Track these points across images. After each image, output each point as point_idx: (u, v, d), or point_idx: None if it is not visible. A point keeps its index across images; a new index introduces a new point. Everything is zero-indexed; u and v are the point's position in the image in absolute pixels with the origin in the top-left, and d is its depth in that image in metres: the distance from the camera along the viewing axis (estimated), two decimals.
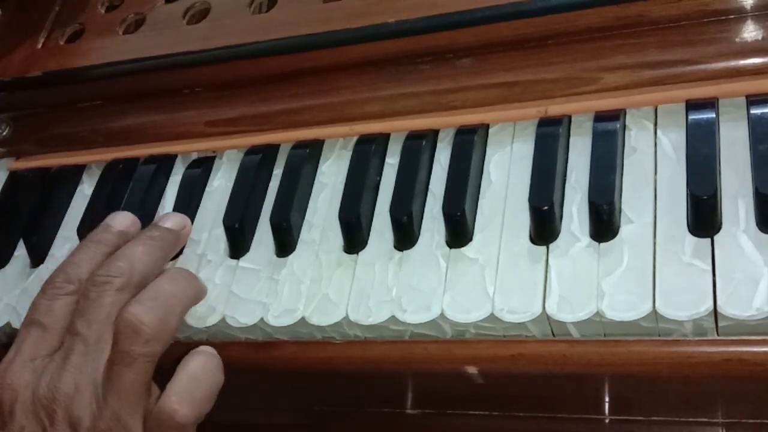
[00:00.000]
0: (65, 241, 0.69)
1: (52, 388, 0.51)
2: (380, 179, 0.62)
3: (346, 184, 0.61)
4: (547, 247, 0.53)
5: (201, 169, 0.68)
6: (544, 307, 0.51)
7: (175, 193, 0.67)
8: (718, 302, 0.48)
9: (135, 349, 0.50)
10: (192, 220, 0.65)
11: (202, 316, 0.59)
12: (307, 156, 0.64)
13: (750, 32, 0.56)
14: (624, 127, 0.57)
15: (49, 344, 0.53)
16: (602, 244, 0.52)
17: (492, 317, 0.52)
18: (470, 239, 0.56)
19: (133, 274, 0.53)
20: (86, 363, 0.51)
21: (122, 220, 0.57)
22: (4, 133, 0.77)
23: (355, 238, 0.59)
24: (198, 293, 0.56)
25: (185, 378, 0.52)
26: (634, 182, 0.54)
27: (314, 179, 0.64)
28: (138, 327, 0.50)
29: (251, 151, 0.67)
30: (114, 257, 0.54)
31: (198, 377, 0.52)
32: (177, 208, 0.66)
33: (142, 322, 0.50)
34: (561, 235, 0.54)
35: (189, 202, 0.66)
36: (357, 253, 0.58)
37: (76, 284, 0.53)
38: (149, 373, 0.51)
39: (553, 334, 0.52)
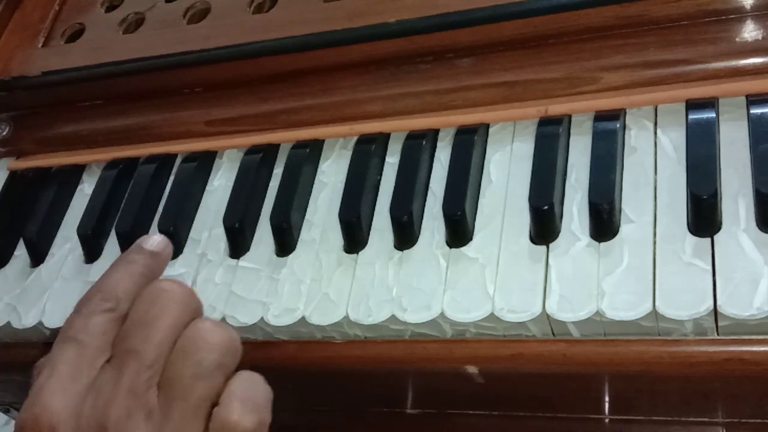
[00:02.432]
0: (65, 240, 0.69)
1: (100, 413, 0.46)
2: (380, 179, 0.62)
3: (346, 183, 0.61)
4: (548, 247, 0.53)
5: (201, 169, 0.68)
6: (544, 307, 0.51)
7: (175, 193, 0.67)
8: (719, 302, 0.48)
9: (213, 358, 0.46)
10: (192, 220, 0.65)
11: None
12: (308, 155, 0.64)
13: (750, 32, 0.56)
14: (624, 126, 0.57)
15: (90, 362, 0.48)
16: (602, 244, 0.52)
17: (492, 317, 0.52)
18: (470, 239, 0.56)
19: (193, 296, 0.49)
20: (139, 384, 0.46)
21: (154, 241, 0.54)
22: (4, 133, 0.77)
23: (355, 238, 0.59)
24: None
25: (242, 384, 0.48)
26: (634, 182, 0.54)
27: (314, 179, 0.64)
28: (217, 337, 0.47)
29: (251, 150, 0.67)
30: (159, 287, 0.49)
31: (255, 382, 0.48)
32: (176, 207, 0.66)
33: (221, 334, 0.47)
34: (561, 235, 0.54)
35: (189, 202, 0.66)
36: (357, 253, 0.58)
37: (113, 303, 0.49)
38: (217, 391, 0.47)
39: (554, 334, 0.52)
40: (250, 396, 0.47)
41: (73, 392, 0.47)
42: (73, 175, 0.73)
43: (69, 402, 0.46)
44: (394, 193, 0.59)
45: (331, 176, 0.63)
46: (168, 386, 0.46)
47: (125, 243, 0.65)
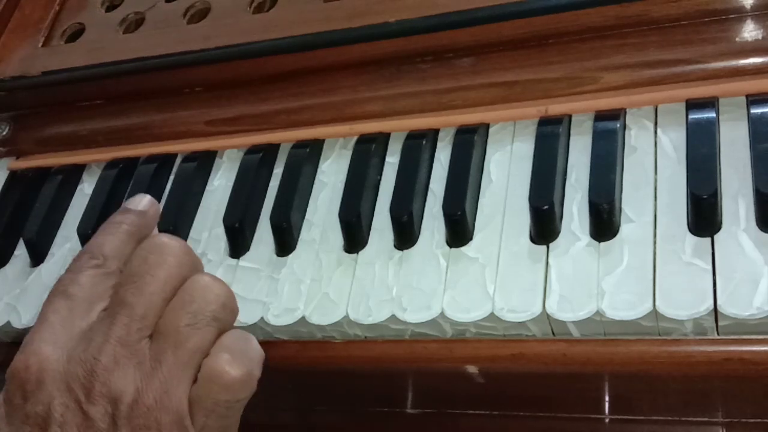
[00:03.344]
0: (65, 240, 0.69)
1: (90, 360, 0.46)
2: (380, 179, 0.62)
3: (346, 183, 0.61)
4: (548, 247, 0.53)
5: (201, 169, 0.68)
6: (544, 307, 0.51)
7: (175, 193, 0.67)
8: (719, 301, 0.48)
9: (210, 311, 0.46)
10: (192, 220, 0.65)
11: None
12: (308, 155, 0.64)
13: (750, 32, 0.56)
14: (624, 126, 0.57)
15: (79, 314, 0.48)
16: (602, 244, 0.52)
17: (492, 316, 0.52)
18: (470, 238, 0.56)
19: (190, 254, 0.49)
20: (130, 334, 0.46)
21: (140, 200, 0.54)
22: (4, 133, 0.77)
23: (355, 238, 0.59)
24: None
25: (233, 337, 0.48)
26: (635, 181, 0.54)
27: (314, 179, 0.64)
28: (216, 291, 0.47)
29: (251, 150, 0.67)
30: (165, 234, 0.50)
31: (247, 338, 0.48)
32: (176, 207, 0.66)
33: (220, 289, 0.47)
34: (561, 235, 0.54)
35: (189, 202, 0.66)
36: (357, 253, 0.58)
37: (100, 259, 0.49)
38: (209, 344, 0.47)
39: (554, 334, 0.52)
40: (240, 348, 0.47)
41: (63, 339, 0.47)
42: (73, 175, 0.73)
43: (58, 347, 0.47)
44: (394, 192, 0.59)
45: (331, 176, 0.63)
46: (161, 335, 0.47)
47: None
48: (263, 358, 0.48)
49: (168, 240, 0.49)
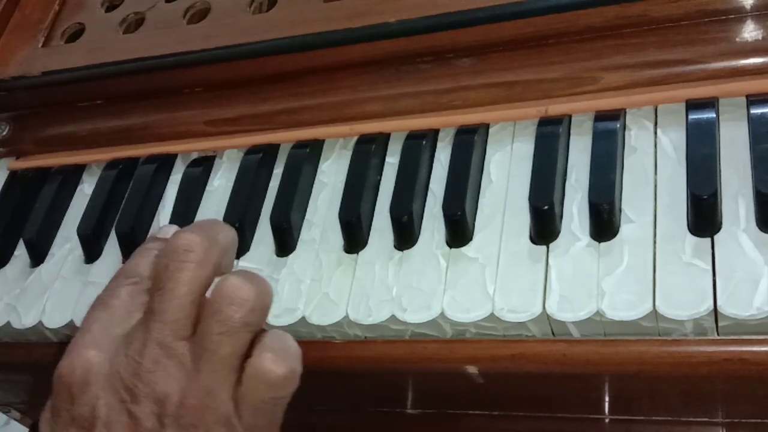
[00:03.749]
0: (65, 240, 0.69)
1: (133, 361, 0.47)
2: (380, 179, 0.62)
3: (346, 183, 0.61)
4: (548, 247, 0.53)
5: (201, 169, 0.68)
6: (544, 307, 0.51)
7: (176, 193, 0.67)
8: (719, 302, 0.48)
9: (240, 317, 0.47)
10: (192, 220, 0.65)
11: None
12: (308, 155, 0.64)
13: (750, 32, 0.56)
14: (624, 126, 0.57)
15: (117, 322, 0.49)
16: (602, 244, 0.52)
17: (492, 317, 0.52)
18: (470, 239, 0.56)
19: (212, 249, 0.50)
20: (166, 337, 0.47)
21: (169, 231, 0.55)
22: (4, 133, 0.77)
23: (355, 238, 0.59)
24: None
25: (273, 337, 0.49)
26: (634, 182, 0.54)
27: (314, 179, 0.64)
28: (244, 294, 0.47)
29: (251, 150, 0.67)
30: (187, 230, 0.50)
31: (285, 337, 0.49)
32: (177, 207, 0.66)
33: (248, 290, 0.48)
34: (561, 235, 0.54)
35: (189, 202, 0.66)
36: (357, 253, 0.58)
37: (136, 278, 0.51)
38: (245, 347, 0.48)
39: (554, 334, 0.52)
40: (281, 347, 0.48)
41: (104, 343, 0.48)
42: (73, 175, 0.73)
43: (100, 351, 0.48)
44: (394, 193, 0.59)
45: (331, 176, 0.63)
46: (199, 341, 0.48)
47: (125, 243, 0.65)
48: (301, 354, 0.49)
49: (185, 241, 0.50)
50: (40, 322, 0.64)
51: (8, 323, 0.65)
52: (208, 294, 0.49)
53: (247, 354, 0.48)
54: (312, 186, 0.63)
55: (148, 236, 0.56)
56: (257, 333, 0.49)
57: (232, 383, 0.48)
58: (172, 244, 0.50)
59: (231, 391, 0.48)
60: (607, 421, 0.62)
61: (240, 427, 0.48)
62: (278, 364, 0.48)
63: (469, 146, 0.59)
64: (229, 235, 0.52)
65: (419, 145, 0.61)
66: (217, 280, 0.49)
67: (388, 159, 0.62)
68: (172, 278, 0.48)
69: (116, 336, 0.49)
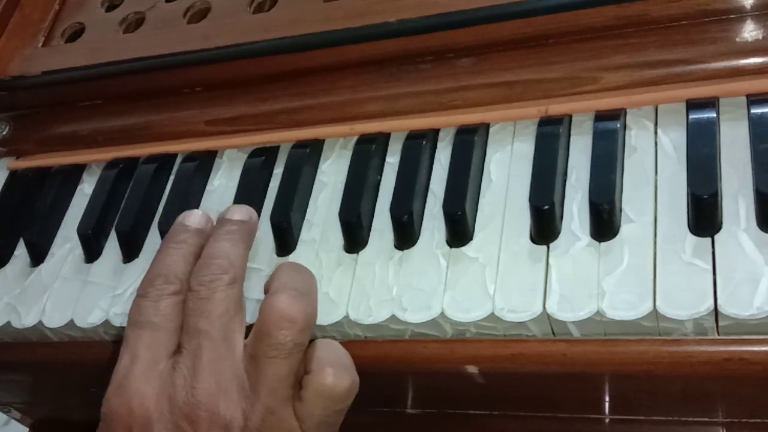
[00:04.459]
0: (65, 240, 0.69)
1: (190, 390, 0.46)
2: (380, 179, 0.62)
3: (346, 183, 0.61)
4: (548, 247, 0.53)
5: (201, 169, 0.68)
6: (544, 307, 0.51)
7: (175, 192, 0.67)
8: (719, 301, 0.48)
9: (292, 338, 0.47)
10: None
11: None
12: (308, 155, 0.64)
13: (750, 32, 0.56)
14: (624, 126, 0.57)
15: (166, 345, 0.49)
16: (603, 244, 0.52)
17: (492, 316, 0.52)
18: (471, 238, 0.56)
19: (235, 268, 0.51)
20: (220, 359, 0.47)
21: (197, 218, 0.54)
22: (4, 133, 0.77)
23: (355, 238, 0.58)
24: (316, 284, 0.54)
25: (327, 350, 0.50)
26: (635, 181, 0.54)
27: (314, 179, 0.64)
28: (293, 315, 0.48)
29: (253, 154, 0.67)
30: (208, 256, 0.51)
31: (336, 346, 0.50)
32: (176, 207, 0.66)
33: (295, 310, 0.48)
34: (561, 235, 0.54)
35: (189, 202, 0.66)
36: (357, 253, 0.58)
37: (177, 284, 0.50)
38: (300, 364, 0.49)
39: (554, 334, 0.52)
40: (338, 360, 0.49)
41: (157, 375, 0.48)
42: (73, 174, 0.73)
43: (156, 384, 0.47)
44: (394, 192, 0.59)
45: (331, 176, 0.63)
46: (253, 362, 0.48)
47: (125, 242, 0.65)
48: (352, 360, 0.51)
49: (218, 251, 0.50)
50: (40, 322, 0.64)
51: (8, 323, 0.65)
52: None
53: (304, 368, 0.49)
54: (312, 186, 0.63)
55: (176, 223, 0.54)
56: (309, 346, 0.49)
57: (291, 400, 0.48)
58: (206, 257, 0.50)
59: (291, 408, 0.48)
60: (607, 421, 0.62)
61: None
62: (340, 378, 0.49)
63: (470, 146, 0.59)
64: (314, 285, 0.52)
65: (419, 145, 0.61)
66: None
67: (388, 159, 0.62)
68: (211, 297, 0.48)
69: (165, 362, 0.48)
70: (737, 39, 0.56)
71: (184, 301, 0.50)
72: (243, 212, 0.55)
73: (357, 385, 0.50)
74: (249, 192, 0.64)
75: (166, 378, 0.47)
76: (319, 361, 0.49)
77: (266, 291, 0.51)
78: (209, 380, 0.47)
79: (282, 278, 0.51)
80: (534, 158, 0.57)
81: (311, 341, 0.51)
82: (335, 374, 0.48)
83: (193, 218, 0.54)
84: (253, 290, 0.59)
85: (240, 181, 0.65)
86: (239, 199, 0.64)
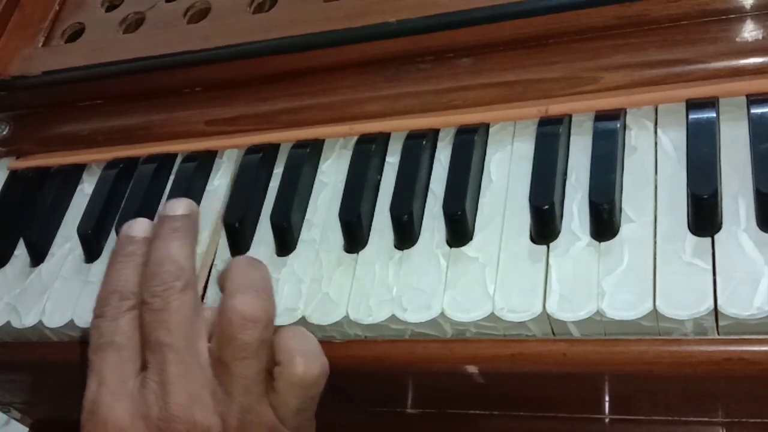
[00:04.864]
0: (65, 240, 0.69)
1: (163, 405, 0.46)
2: (380, 179, 0.62)
3: (346, 183, 0.61)
4: (548, 246, 0.53)
5: (201, 169, 0.68)
6: (544, 307, 0.51)
7: (175, 192, 0.67)
8: (719, 301, 0.48)
9: (257, 337, 0.47)
10: None
11: None
12: (308, 155, 0.64)
13: (750, 32, 0.56)
14: (624, 126, 0.57)
15: (133, 363, 0.48)
16: (603, 244, 0.52)
17: (492, 316, 0.52)
18: (470, 238, 0.56)
19: (185, 271, 0.50)
20: (187, 369, 0.47)
21: (142, 227, 0.53)
22: (4, 133, 0.77)
23: (355, 238, 0.58)
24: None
25: (294, 338, 0.49)
26: (635, 181, 0.54)
27: (314, 179, 0.64)
28: (254, 315, 0.47)
29: (251, 150, 0.67)
30: (157, 263, 0.50)
31: (302, 332, 0.50)
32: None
33: (255, 309, 0.47)
34: (561, 234, 0.54)
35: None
36: (357, 253, 0.58)
37: (133, 299, 0.49)
38: (268, 358, 0.49)
39: (554, 334, 0.52)
40: (306, 347, 0.49)
41: (127, 395, 0.47)
42: (73, 174, 0.73)
43: (128, 404, 0.47)
44: (394, 192, 0.59)
45: (331, 176, 0.63)
46: (222, 367, 0.48)
47: None
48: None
49: (166, 255, 0.49)
50: (40, 322, 0.64)
51: (8, 323, 0.65)
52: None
53: (274, 359, 0.49)
54: (312, 186, 0.63)
55: (121, 235, 0.53)
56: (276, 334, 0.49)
57: (265, 394, 0.48)
58: (153, 264, 0.49)
59: (266, 402, 0.48)
60: (607, 421, 0.62)
61: (286, 430, 0.48)
62: (310, 365, 0.49)
63: (470, 146, 0.59)
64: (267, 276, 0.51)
65: (419, 145, 0.61)
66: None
67: (388, 159, 0.62)
68: (166, 308, 0.48)
69: (133, 381, 0.48)
70: (737, 39, 0.56)
71: (138, 313, 0.49)
72: (184, 206, 0.54)
73: (327, 368, 0.50)
74: (246, 187, 0.64)
75: (137, 397, 0.47)
76: (288, 351, 0.49)
77: (221, 286, 0.51)
78: (180, 392, 0.46)
79: (236, 278, 0.50)
80: (534, 158, 0.57)
81: (277, 329, 0.51)
82: (305, 362, 0.48)
83: (137, 228, 0.53)
84: None
85: (237, 178, 0.65)
86: (236, 195, 0.64)
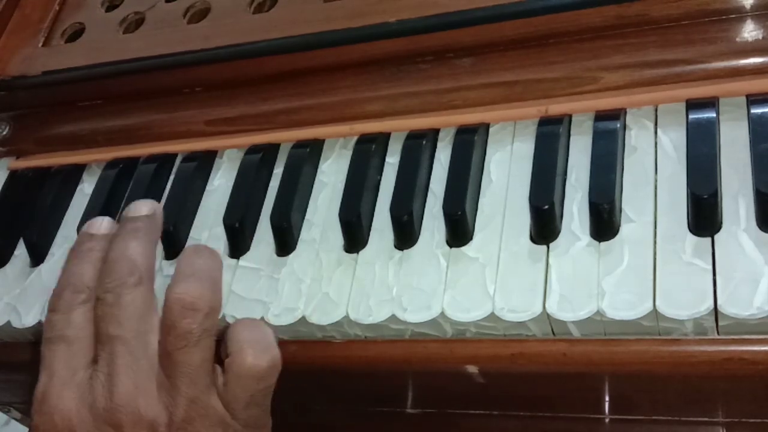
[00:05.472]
0: (65, 240, 0.69)
1: (108, 396, 0.46)
2: (380, 178, 0.62)
3: (346, 183, 0.61)
4: (548, 246, 0.53)
5: (201, 169, 0.68)
6: (544, 306, 0.51)
7: (174, 192, 0.67)
8: (719, 301, 0.48)
9: (197, 325, 0.47)
10: (192, 220, 0.65)
11: None
12: (308, 155, 0.64)
13: (750, 32, 0.56)
14: (624, 126, 0.57)
15: (84, 355, 0.48)
16: (603, 243, 0.52)
17: (492, 316, 0.52)
18: (470, 238, 0.56)
19: (139, 267, 0.49)
20: (135, 361, 0.47)
21: (103, 224, 0.53)
22: (4, 133, 0.77)
23: (355, 238, 0.59)
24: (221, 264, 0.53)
25: (246, 329, 0.49)
26: (635, 181, 0.54)
27: (314, 179, 0.64)
28: (194, 303, 0.47)
29: (251, 150, 0.67)
30: (112, 261, 0.50)
31: (257, 324, 0.50)
32: (176, 207, 0.66)
33: (196, 297, 0.47)
34: (561, 234, 0.54)
35: (189, 202, 0.66)
36: (357, 253, 0.58)
37: (86, 292, 0.49)
38: (213, 348, 0.48)
39: (554, 334, 0.52)
40: (257, 338, 0.49)
41: (75, 387, 0.47)
42: (73, 174, 0.73)
43: (75, 396, 0.47)
44: (394, 192, 0.59)
45: (331, 176, 0.63)
46: (167, 358, 0.47)
47: None
48: (276, 337, 0.50)
49: (121, 253, 0.49)
50: (40, 322, 0.64)
51: (8, 323, 0.65)
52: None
53: (226, 350, 0.48)
54: (312, 186, 0.63)
55: (81, 232, 0.53)
56: (225, 326, 0.49)
57: (212, 385, 0.48)
58: (109, 262, 0.49)
59: (214, 393, 0.48)
60: (607, 421, 0.62)
61: (236, 423, 0.48)
62: (259, 357, 0.48)
63: (469, 146, 0.59)
64: (217, 260, 0.51)
65: (419, 145, 0.61)
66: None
67: (388, 159, 0.63)
68: (117, 302, 0.47)
69: (82, 373, 0.48)
70: (737, 39, 0.56)
71: (93, 307, 0.49)
72: (147, 207, 0.53)
73: (278, 361, 0.49)
74: (246, 187, 0.64)
75: (85, 388, 0.47)
76: (238, 343, 0.48)
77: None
78: (126, 382, 0.46)
79: (180, 266, 0.49)
80: (534, 158, 0.57)
81: (236, 322, 0.50)
82: (254, 354, 0.48)
83: (97, 225, 0.53)
84: (251, 291, 0.59)
85: (237, 177, 0.65)
86: (236, 195, 0.64)
